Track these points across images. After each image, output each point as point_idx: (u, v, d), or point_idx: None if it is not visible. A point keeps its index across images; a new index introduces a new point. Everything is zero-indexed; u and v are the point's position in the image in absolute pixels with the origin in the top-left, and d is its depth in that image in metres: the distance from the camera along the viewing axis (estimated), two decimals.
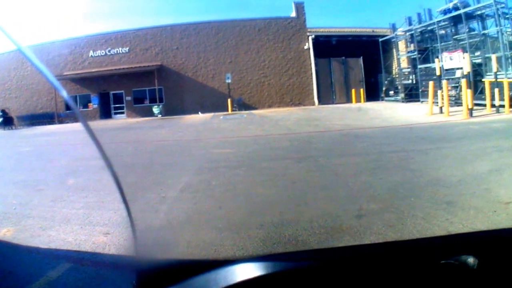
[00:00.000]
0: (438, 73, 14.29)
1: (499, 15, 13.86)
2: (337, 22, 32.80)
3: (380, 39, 21.15)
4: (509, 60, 13.54)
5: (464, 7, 15.38)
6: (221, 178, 4.93)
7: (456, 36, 16.49)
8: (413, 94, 18.66)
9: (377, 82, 22.12)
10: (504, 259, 0.73)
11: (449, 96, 12.69)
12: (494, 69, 12.47)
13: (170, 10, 44.90)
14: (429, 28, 18.10)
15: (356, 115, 14.94)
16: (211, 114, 19.13)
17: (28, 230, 3.19)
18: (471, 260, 0.72)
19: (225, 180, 4.82)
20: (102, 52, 22.18)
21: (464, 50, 14.54)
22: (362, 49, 21.21)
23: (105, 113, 22.25)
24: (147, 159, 6.95)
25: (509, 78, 12.18)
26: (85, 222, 3.32)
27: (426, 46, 18.53)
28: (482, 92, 12.99)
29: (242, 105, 21.09)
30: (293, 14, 22.33)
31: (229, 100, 20.52)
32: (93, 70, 21.63)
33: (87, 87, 22.11)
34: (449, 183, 3.93)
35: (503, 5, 13.96)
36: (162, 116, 20.37)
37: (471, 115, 10.74)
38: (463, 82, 11.46)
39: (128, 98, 22.29)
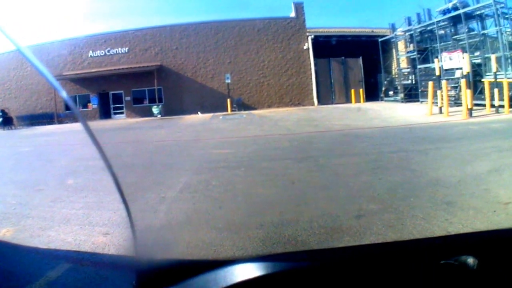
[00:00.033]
0: (437, 73, 14.29)
1: (498, 15, 13.88)
2: (336, 22, 32.77)
3: (380, 39, 21.16)
4: (509, 60, 13.55)
5: (464, 7, 15.39)
6: (220, 179, 4.93)
7: (455, 36, 16.51)
8: (412, 94, 18.67)
9: (376, 82, 22.13)
10: (503, 259, 0.73)
11: (449, 96, 12.70)
12: (494, 69, 12.48)
13: (170, 10, 44.96)
14: (428, 28, 18.11)
15: (355, 115, 14.95)
16: (211, 114, 19.14)
17: (28, 230, 3.19)
18: (471, 260, 0.72)
19: (224, 180, 4.82)
20: (102, 52, 22.17)
21: (464, 50, 14.55)
22: (361, 49, 21.22)
23: (105, 113, 22.24)
24: (146, 159, 6.95)
25: (508, 78, 12.19)
26: (84, 222, 3.32)
27: (425, 46, 18.55)
28: (482, 92, 13.00)
29: (241, 105, 21.09)
30: (293, 14, 22.33)
31: (228, 100, 20.52)
32: (93, 70, 21.62)
33: (86, 87, 22.10)
34: (449, 183, 3.93)
35: (502, 5, 13.99)
36: (161, 116, 20.36)
37: (470, 115, 10.75)
38: (463, 82, 11.46)
39: (128, 98, 22.28)
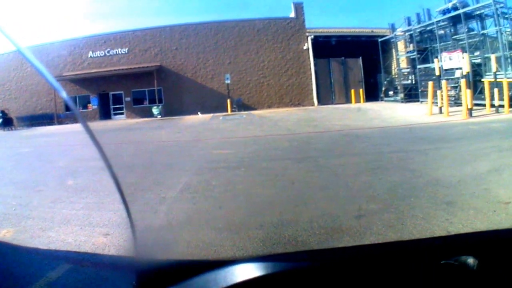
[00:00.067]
0: (437, 73, 14.29)
1: (498, 15, 13.88)
2: (336, 22, 32.85)
3: (379, 39, 21.16)
4: (509, 60, 13.56)
5: (463, 7, 15.40)
6: (220, 179, 4.93)
7: (455, 36, 16.51)
8: (412, 94, 18.68)
9: (376, 82, 22.14)
10: (503, 260, 0.73)
11: (449, 96, 12.70)
12: (494, 69, 12.48)
13: (169, 11, 45.01)
14: (428, 28, 18.12)
15: (355, 115, 14.95)
16: (211, 114, 19.14)
17: (28, 231, 3.19)
18: (471, 260, 0.72)
19: (224, 181, 4.82)
20: (102, 53, 22.19)
21: (464, 50, 14.55)
22: (361, 50, 21.23)
23: (105, 114, 22.25)
24: (146, 160, 6.95)
25: (508, 78, 12.19)
26: (85, 223, 3.32)
27: (425, 46, 18.55)
28: (482, 92, 13.00)
29: (241, 106, 21.09)
30: (292, 15, 22.34)
31: (228, 101, 20.53)
32: (93, 71, 21.64)
33: (86, 88, 22.11)
34: (449, 183, 3.93)
35: (502, 5, 13.99)
36: (161, 117, 20.37)
37: (470, 115, 10.75)
38: (463, 82, 11.46)
39: (128, 99, 22.30)
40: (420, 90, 17.50)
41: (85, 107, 22.37)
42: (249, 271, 0.70)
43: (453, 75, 14.98)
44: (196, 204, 3.81)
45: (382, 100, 20.91)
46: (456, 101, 13.71)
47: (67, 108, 20.83)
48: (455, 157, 5.47)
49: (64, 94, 0.76)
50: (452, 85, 14.58)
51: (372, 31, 22.24)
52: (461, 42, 15.84)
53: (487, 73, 13.72)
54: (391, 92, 20.65)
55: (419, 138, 7.85)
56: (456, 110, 11.84)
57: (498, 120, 9.87)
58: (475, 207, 3.11)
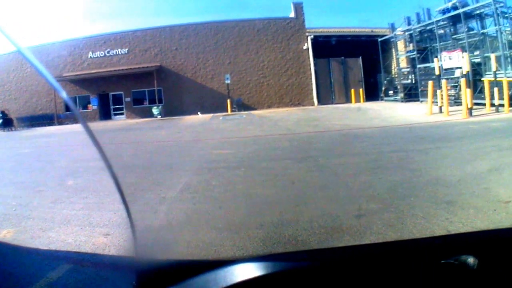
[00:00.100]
0: (437, 72, 14.28)
1: (498, 14, 13.88)
2: (336, 22, 32.78)
3: (379, 39, 21.16)
4: (508, 59, 13.55)
5: (463, 6, 15.40)
6: (220, 179, 4.93)
7: (455, 36, 16.51)
8: (412, 93, 18.68)
9: (376, 82, 22.13)
10: (504, 259, 0.73)
11: (449, 95, 12.70)
12: (493, 68, 12.48)
13: (169, 11, 45.02)
14: (428, 27, 18.12)
15: (355, 115, 14.95)
16: (211, 114, 19.14)
17: (28, 231, 3.19)
18: (471, 260, 0.72)
19: (224, 181, 4.82)
20: (101, 53, 22.19)
21: (463, 50, 14.54)
22: (361, 49, 21.23)
23: (105, 114, 22.25)
24: (146, 160, 6.95)
25: (508, 77, 12.18)
26: (85, 223, 3.32)
27: (425, 46, 18.55)
28: (482, 91, 13.00)
29: (241, 106, 21.09)
30: (292, 15, 22.34)
31: (228, 101, 20.53)
32: (93, 71, 21.64)
33: (86, 88, 22.12)
34: (449, 182, 3.93)
35: (502, 4, 13.99)
36: (161, 117, 20.37)
37: (470, 114, 10.75)
38: (463, 81, 11.46)
39: (128, 99, 22.30)
40: (420, 90, 17.49)
41: (85, 107, 22.37)
42: (249, 271, 0.70)
43: (453, 75, 14.97)
44: (196, 204, 3.81)
45: (382, 99, 20.90)
46: (456, 101, 13.71)
47: (67, 108, 20.84)
48: (455, 156, 5.47)
49: (64, 95, 0.76)
50: (452, 84, 14.58)
51: (372, 31, 22.23)
52: (461, 42, 15.84)
53: (487, 73, 13.72)
54: (391, 92, 20.65)
55: (419, 138, 7.85)
56: (456, 110, 11.84)
57: (498, 119, 9.86)
58: (475, 206, 3.11)
